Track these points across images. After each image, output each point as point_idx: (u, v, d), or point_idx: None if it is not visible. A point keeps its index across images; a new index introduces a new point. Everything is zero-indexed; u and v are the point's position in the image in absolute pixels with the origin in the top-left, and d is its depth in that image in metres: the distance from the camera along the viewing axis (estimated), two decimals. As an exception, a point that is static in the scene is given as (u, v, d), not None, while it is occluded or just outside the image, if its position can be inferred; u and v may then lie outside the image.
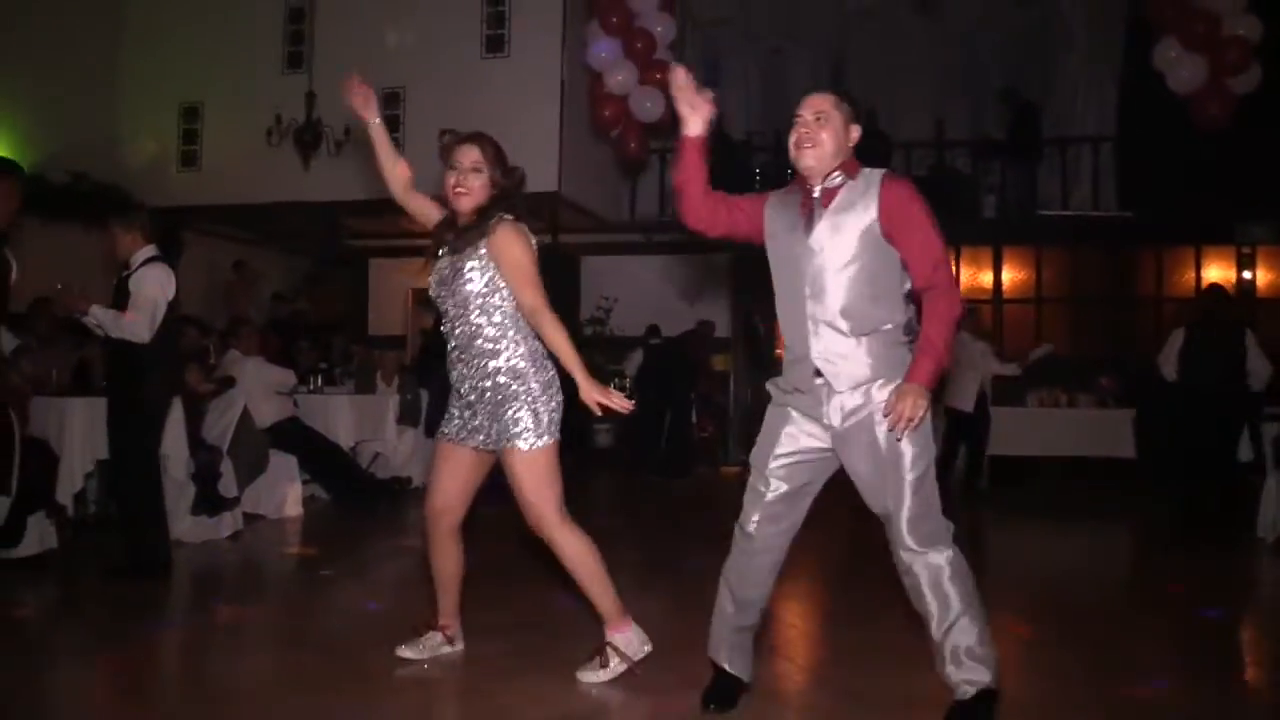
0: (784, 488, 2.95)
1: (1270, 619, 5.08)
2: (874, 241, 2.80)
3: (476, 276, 3.20)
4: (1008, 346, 11.32)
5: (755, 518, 2.99)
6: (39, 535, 5.14)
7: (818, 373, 2.83)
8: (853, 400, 2.80)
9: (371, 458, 8.28)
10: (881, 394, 2.76)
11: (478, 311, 3.22)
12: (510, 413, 3.21)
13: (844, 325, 2.81)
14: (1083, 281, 11.76)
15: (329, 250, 13.43)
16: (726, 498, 9.08)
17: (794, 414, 2.93)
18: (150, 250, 5.08)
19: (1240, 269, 11.55)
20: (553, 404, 3.27)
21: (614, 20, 8.62)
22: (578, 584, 3.35)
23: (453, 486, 3.39)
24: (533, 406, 3.22)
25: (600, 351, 12.29)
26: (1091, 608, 4.94)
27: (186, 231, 11.77)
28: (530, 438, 3.20)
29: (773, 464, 2.94)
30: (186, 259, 11.80)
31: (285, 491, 6.95)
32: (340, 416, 7.88)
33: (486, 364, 3.23)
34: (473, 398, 3.28)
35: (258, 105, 10.55)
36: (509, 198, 3.33)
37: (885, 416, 2.72)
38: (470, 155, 3.27)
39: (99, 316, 4.81)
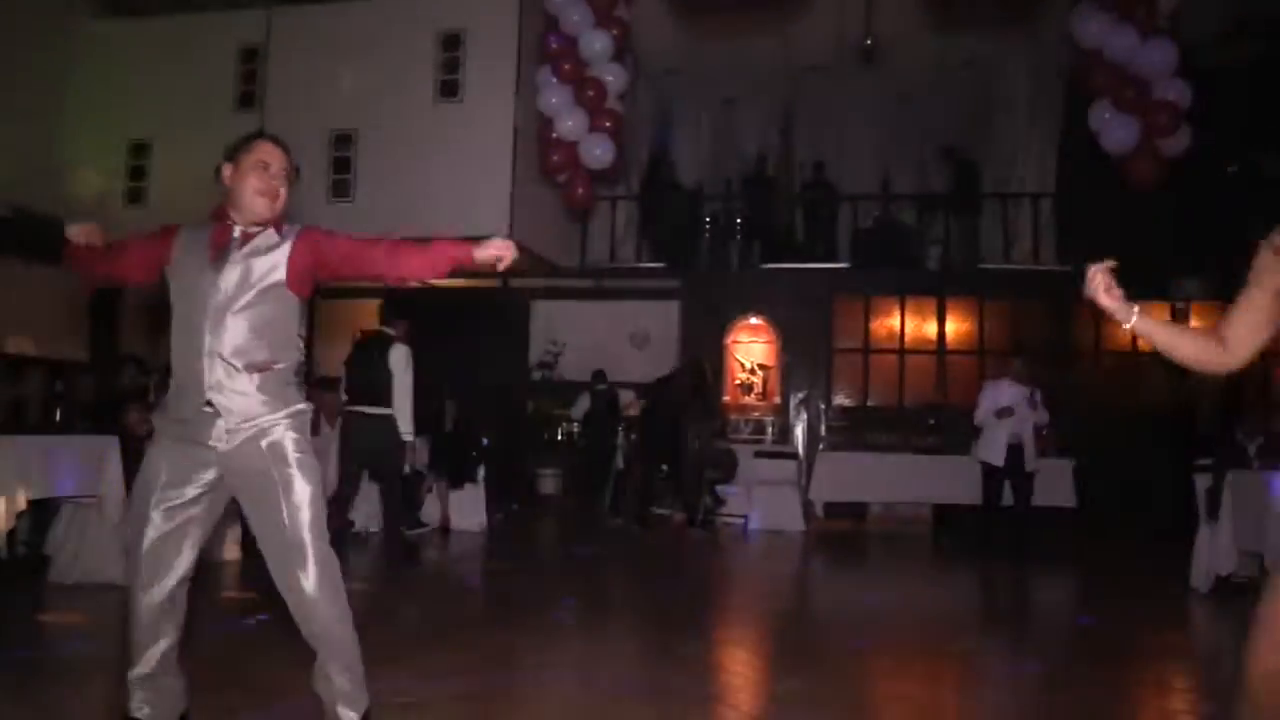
0: None
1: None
2: None
3: None
4: (950, 395, 11.52)
5: None
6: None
7: None
8: None
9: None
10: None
11: None
12: None
13: None
14: (1024, 333, 12.00)
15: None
16: (693, 548, 9.10)
17: None
18: None
19: (1175, 321, 11.86)
20: None
21: (566, 68, 8.74)
22: None
23: None
24: None
25: (548, 396, 12.29)
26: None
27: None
28: None
29: None
30: (129, 298, 11.70)
31: (222, 535, 6.81)
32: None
33: None
34: None
35: (208, 144, 10.43)
36: None
37: None
38: None
39: None
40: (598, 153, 8.67)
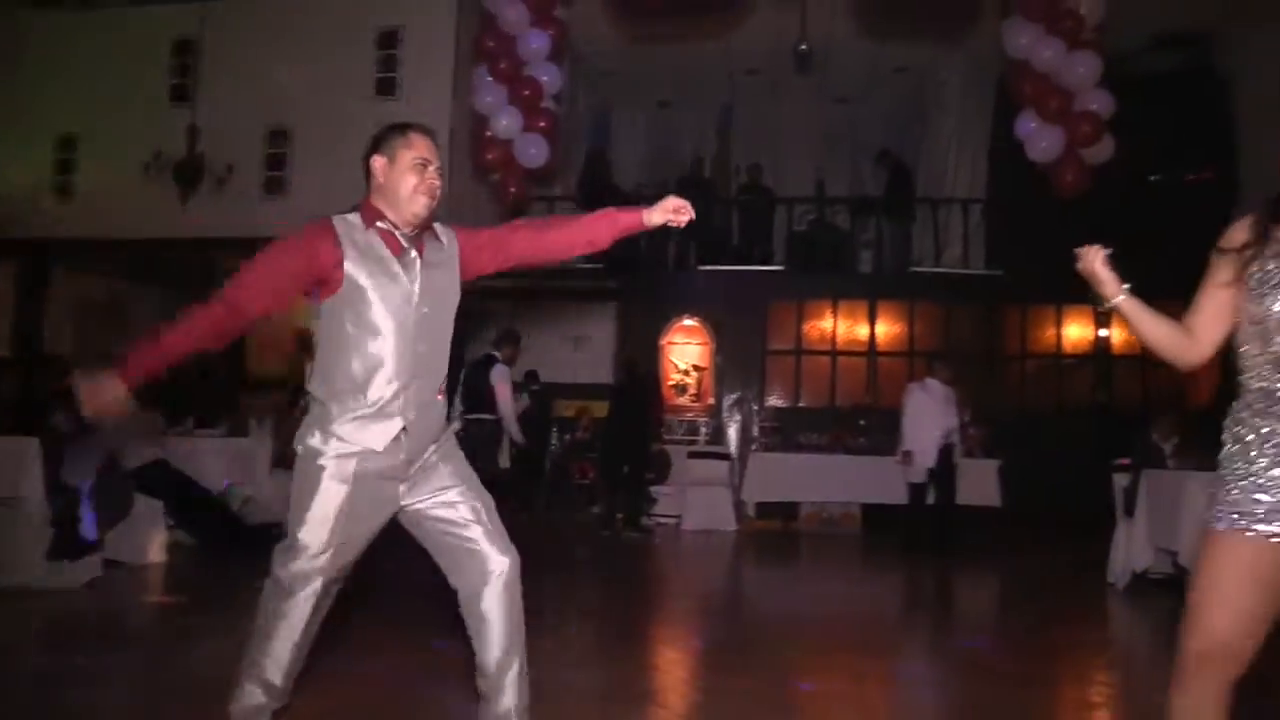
0: None
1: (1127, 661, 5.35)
2: None
3: None
4: (881, 396, 11.69)
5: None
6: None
7: None
8: None
9: (241, 502, 8.06)
10: None
11: None
12: None
13: None
14: (953, 336, 12.23)
15: (208, 288, 13.08)
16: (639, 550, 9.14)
17: None
18: None
19: (1098, 327, 12.18)
20: None
21: (501, 67, 8.73)
22: None
23: (1255, 611, 2.07)
24: None
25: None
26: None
27: (57, 266, 11.39)
28: None
29: None
30: (56, 294, 11.42)
31: (149, 537, 6.71)
32: (211, 460, 7.68)
33: None
34: None
35: (138, 138, 10.30)
36: None
37: None
38: None
39: None
40: (532, 152, 8.68)
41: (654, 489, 10.39)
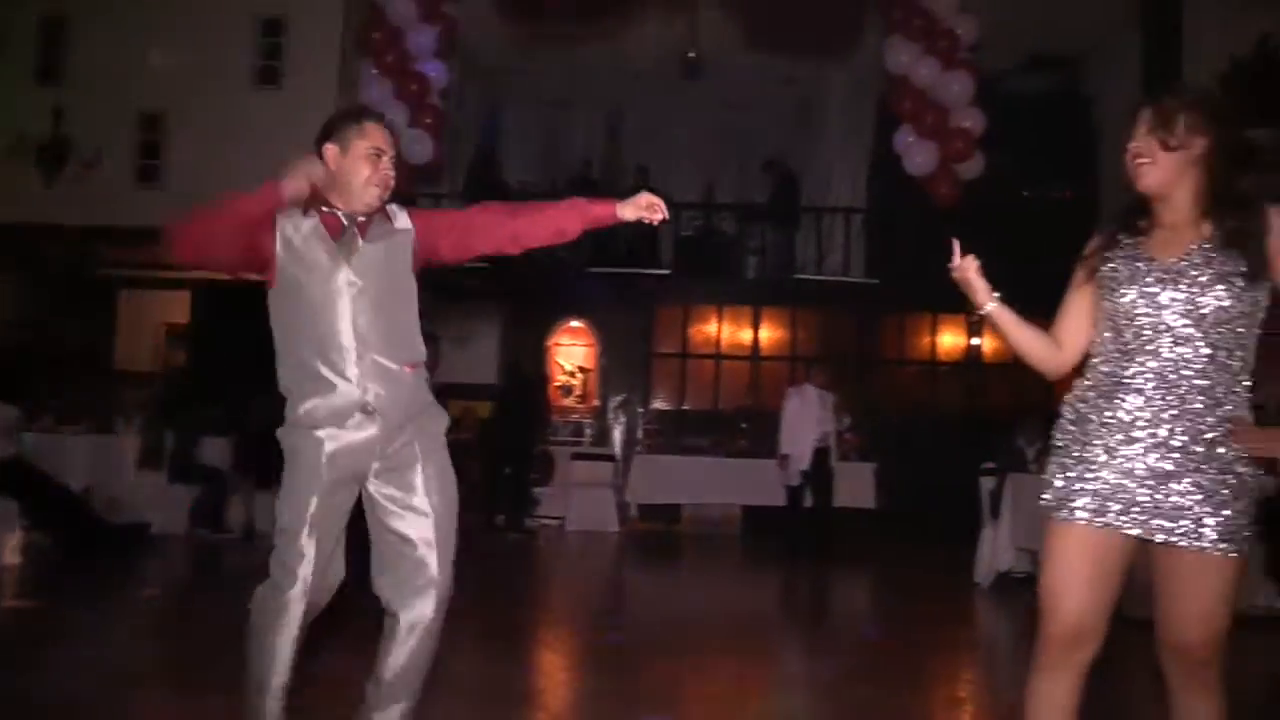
0: None
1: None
2: None
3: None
4: (763, 399, 11.86)
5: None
6: None
7: None
8: None
9: (105, 502, 7.73)
10: None
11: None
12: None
13: None
14: (833, 342, 12.51)
15: (74, 277, 12.50)
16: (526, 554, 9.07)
17: None
18: None
19: (970, 335, 12.63)
20: None
21: (388, 61, 8.60)
22: None
23: (1101, 596, 2.20)
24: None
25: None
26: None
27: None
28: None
29: None
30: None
31: (2, 539, 6.39)
32: (73, 458, 7.35)
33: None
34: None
35: (1, 118, 9.80)
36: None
37: None
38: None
39: None
40: (417, 148, 8.57)
41: (537, 490, 10.36)
